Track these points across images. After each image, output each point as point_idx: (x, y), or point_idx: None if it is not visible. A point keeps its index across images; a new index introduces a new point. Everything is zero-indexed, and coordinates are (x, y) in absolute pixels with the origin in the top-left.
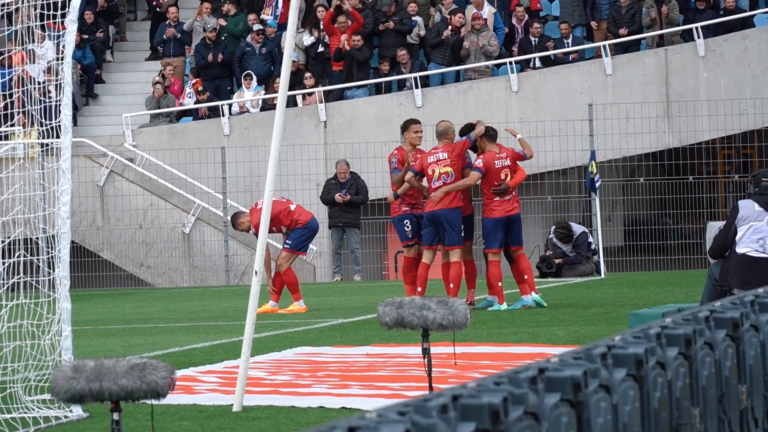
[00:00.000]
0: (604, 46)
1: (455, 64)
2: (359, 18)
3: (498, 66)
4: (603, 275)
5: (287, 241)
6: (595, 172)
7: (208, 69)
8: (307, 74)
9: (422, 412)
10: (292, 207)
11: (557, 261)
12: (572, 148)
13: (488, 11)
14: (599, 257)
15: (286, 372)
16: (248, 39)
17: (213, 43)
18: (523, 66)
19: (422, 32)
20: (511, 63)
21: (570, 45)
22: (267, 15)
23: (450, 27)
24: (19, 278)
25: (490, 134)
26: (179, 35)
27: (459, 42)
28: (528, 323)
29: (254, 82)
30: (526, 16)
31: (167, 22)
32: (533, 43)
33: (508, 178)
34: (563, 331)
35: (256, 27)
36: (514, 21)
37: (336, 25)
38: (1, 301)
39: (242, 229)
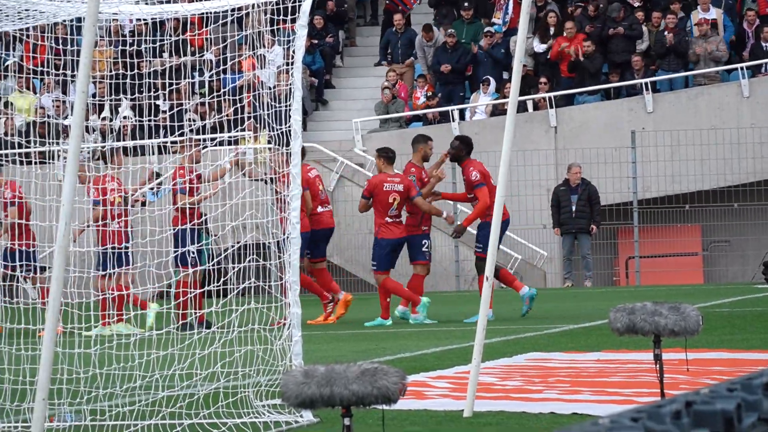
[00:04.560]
0: None
1: (682, 68)
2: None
3: (729, 71)
4: None
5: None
6: None
7: (444, 74)
8: (542, 80)
9: (655, 418)
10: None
11: None
12: None
13: (715, 13)
14: None
15: (517, 377)
16: (480, 43)
17: (452, 48)
18: (755, 71)
19: (644, 45)
20: (742, 68)
21: None
22: (497, 19)
23: (667, 32)
24: (250, 283)
25: (389, 156)
26: (406, 41)
27: (682, 46)
28: (760, 330)
29: (492, 88)
30: (758, 20)
31: (393, 29)
32: (765, 48)
33: (396, 202)
34: None
35: (486, 29)
36: (745, 26)
37: (564, 33)
38: (233, 306)
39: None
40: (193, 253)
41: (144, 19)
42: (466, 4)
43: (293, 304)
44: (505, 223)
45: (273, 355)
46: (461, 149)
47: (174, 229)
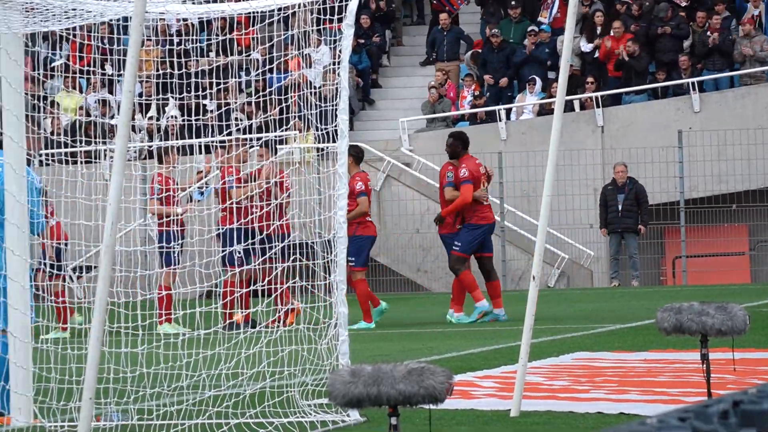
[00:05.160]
0: None
1: (727, 68)
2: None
3: None
4: None
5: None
6: None
7: (492, 74)
8: (589, 79)
9: (703, 418)
10: None
11: None
12: None
13: (762, 9)
14: None
15: (564, 377)
16: (525, 42)
17: (497, 48)
18: None
19: (686, 42)
20: None
21: None
22: (543, 18)
23: (709, 31)
24: (295, 282)
25: (358, 156)
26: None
27: (726, 45)
28: None
29: (538, 87)
30: None
31: (439, 27)
32: None
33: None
34: None
35: (530, 28)
36: None
37: (611, 33)
38: (278, 305)
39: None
40: (240, 252)
41: (191, 19)
42: (513, 2)
43: (339, 303)
44: (490, 227)
45: (319, 354)
46: (456, 146)
47: (222, 229)
